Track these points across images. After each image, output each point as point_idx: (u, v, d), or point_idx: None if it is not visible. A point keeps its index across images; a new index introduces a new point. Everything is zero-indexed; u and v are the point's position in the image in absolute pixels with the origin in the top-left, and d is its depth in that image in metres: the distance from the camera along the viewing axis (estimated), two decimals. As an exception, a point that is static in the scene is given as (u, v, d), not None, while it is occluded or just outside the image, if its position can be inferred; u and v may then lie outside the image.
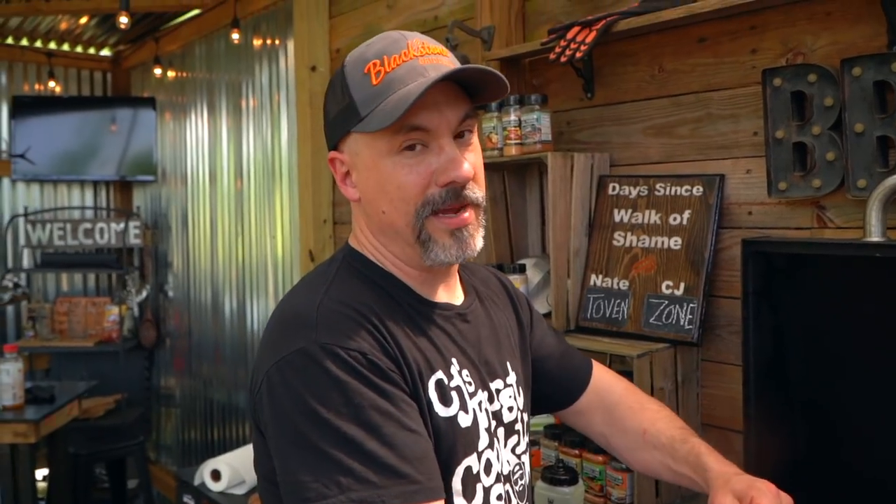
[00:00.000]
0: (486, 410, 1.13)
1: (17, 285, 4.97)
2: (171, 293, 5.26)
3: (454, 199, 1.05)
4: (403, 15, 2.93)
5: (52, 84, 5.21)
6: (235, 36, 4.15)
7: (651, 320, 1.94)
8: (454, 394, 1.08)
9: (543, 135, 2.08)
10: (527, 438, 1.25)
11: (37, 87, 5.34)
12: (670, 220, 1.96)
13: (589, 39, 1.93)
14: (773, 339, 1.59)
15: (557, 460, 1.89)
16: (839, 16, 1.68)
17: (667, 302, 1.92)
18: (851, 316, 1.51)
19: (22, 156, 5.03)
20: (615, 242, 2.06)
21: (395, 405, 0.96)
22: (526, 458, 1.23)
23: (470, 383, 1.11)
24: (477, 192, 1.07)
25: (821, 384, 1.57)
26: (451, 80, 1.02)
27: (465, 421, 1.08)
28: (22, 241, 5.12)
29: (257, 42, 4.19)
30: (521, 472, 1.21)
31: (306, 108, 3.30)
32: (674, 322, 1.90)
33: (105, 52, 5.62)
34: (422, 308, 1.11)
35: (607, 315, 2.03)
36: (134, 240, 5.16)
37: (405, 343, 1.04)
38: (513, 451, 1.19)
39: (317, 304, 1.02)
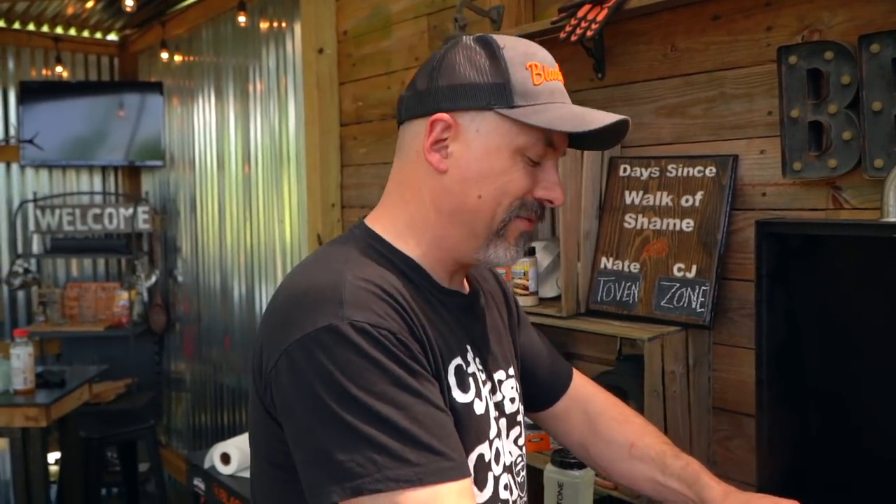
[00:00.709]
0: (490, 400, 1.13)
1: (27, 271, 4.98)
2: (180, 278, 5.27)
3: (539, 213, 1.10)
4: (411, -4, 2.90)
5: (59, 69, 5.20)
6: (242, 19, 4.13)
7: (662, 303, 1.92)
8: (471, 380, 1.07)
9: (553, 116, 2.05)
10: (525, 431, 1.25)
11: (44, 72, 5.33)
12: (682, 201, 1.93)
13: (600, 18, 1.90)
14: (787, 322, 1.57)
15: (568, 444, 1.88)
16: (856, -9, 1.64)
17: (678, 285, 1.90)
18: (867, 299, 1.49)
19: (30, 141, 5.02)
20: (626, 225, 2.03)
21: (424, 384, 0.95)
22: (525, 450, 1.24)
23: (482, 371, 1.12)
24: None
25: (835, 368, 1.55)
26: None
27: (479, 408, 1.08)
28: (31, 226, 5.13)
29: (264, 25, 4.17)
30: (521, 463, 1.21)
31: (314, 90, 3.28)
32: (685, 305, 1.87)
33: (112, 37, 5.60)
34: (439, 294, 1.10)
35: (618, 298, 2.01)
36: (143, 225, 5.16)
37: (428, 326, 1.02)
38: (515, 441, 1.19)
39: (341, 281, 0.98)
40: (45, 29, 5.28)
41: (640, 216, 2.01)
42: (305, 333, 0.94)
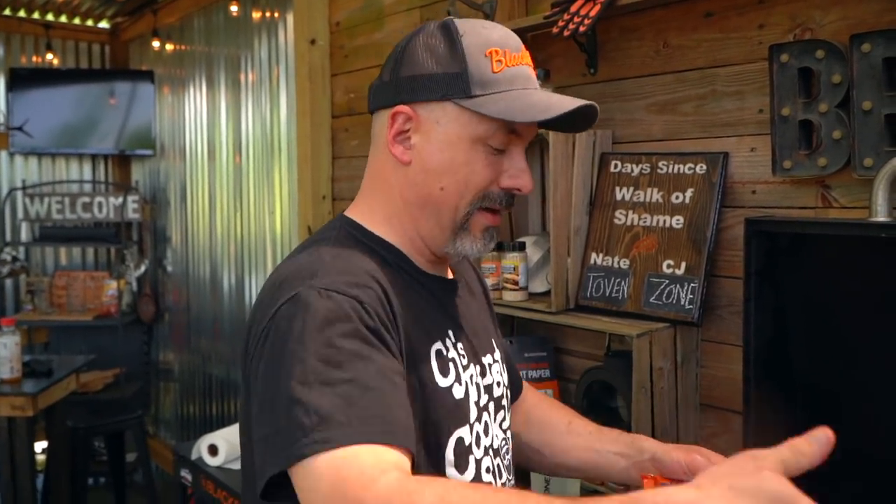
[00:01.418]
0: (478, 384, 1.13)
1: (15, 259, 4.96)
2: (169, 268, 5.25)
3: (506, 202, 1.09)
4: (404, -12, 2.89)
5: (49, 56, 5.16)
6: (234, 8, 4.11)
7: (651, 299, 1.92)
8: (451, 365, 1.08)
9: (545, 110, 2.05)
10: (510, 415, 1.26)
11: (34, 59, 5.30)
12: (672, 198, 1.93)
13: (593, 13, 1.90)
14: (775, 319, 1.58)
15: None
16: (849, -10, 1.64)
17: (667, 281, 1.90)
18: (855, 297, 1.49)
19: (20, 128, 4.99)
20: (616, 221, 2.03)
21: (381, 356, 0.92)
22: (510, 434, 1.25)
23: (463, 356, 1.12)
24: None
25: (822, 365, 1.55)
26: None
27: (458, 392, 1.08)
28: (20, 214, 5.10)
29: (256, 15, 4.15)
30: (507, 446, 1.22)
31: (306, 82, 3.26)
32: (674, 301, 1.88)
33: (103, 24, 5.57)
34: (419, 277, 1.11)
35: (607, 294, 2.01)
36: (132, 214, 5.14)
37: (405, 310, 1.02)
38: (500, 425, 1.20)
39: (316, 257, 1.00)
40: (35, 15, 5.25)
41: (630, 212, 2.01)
42: (276, 311, 0.95)
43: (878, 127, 1.55)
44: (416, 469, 0.90)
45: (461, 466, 1.07)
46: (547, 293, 2.10)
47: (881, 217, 1.44)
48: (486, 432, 1.13)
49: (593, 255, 2.06)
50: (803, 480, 1.47)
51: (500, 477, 1.16)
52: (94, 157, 5.53)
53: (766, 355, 1.57)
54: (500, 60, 1.03)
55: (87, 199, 5.13)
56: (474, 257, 1.13)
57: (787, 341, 1.59)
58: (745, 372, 1.58)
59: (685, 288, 1.87)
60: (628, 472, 1.25)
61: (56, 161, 5.39)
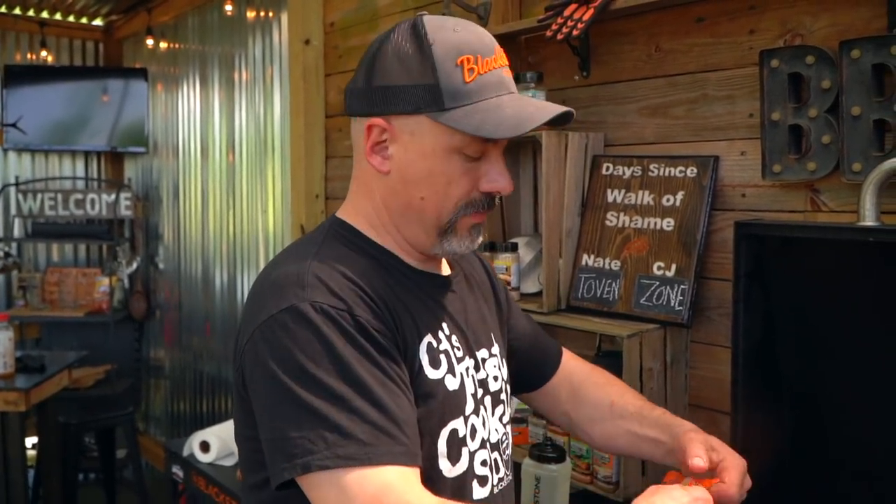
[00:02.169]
0: (473, 377, 1.14)
1: (7, 255, 4.95)
2: (161, 265, 5.25)
3: (489, 205, 1.10)
4: (399, -11, 2.90)
5: (43, 53, 5.15)
6: (229, 7, 4.11)
7: (642, 301, 1.94)
8: (443, 357, 1.09)
9: (538, 113, 2.06)
10: (510, 409, 1.27)
11: (29, 56, 5.28)
12: (663, 200, 1.95)
13: (586, 17, 1.92)
14: (763, 321, 1.60)
15: (545, 438, 1.90)
16: (839, -3, 1.66)
17: (658, 283, 1.92)
18: (842, 300, 1.51)
19: (14, 125, 4.99)
20: (608, 222, 2.05)
21: (382, 366, 0.97)
22: (510, 428, 1.26)
23: (458, 348, 1.13)
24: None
25: (810, 367, 1.57)
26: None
27: (452, 384, 1.09)
28: (13, 210, 5.09)
29: (251, 14, 4.15)
30: (507, 441, 1.23)
31: (300, 81, 3.27)
32: (664, 303, 1.90)
33: (97, 22, 5.56)
34: (411, 274, 1.13)
35: (598, 295, 2.03)
36: (125, 211, 5.13)
37: (396, 307, 1.05)
38: (500, 419, 1.21)
39: (306, 266, 1.02)
40: (30, 13, 5.23)
41: (621, 214, 2.03)
42: (269, 316, 0.97)
43: (867, 132, 1.57)
44: None
45: (453, 458, 1.08)
46: (539, 294, 2.12)
47: (869, 221, 1.46)
48: (483, 425, 1.14)
49: (585, 257, 2.08)
50: (789, 481, 1.49)
51: (498, 472, 1.17)
52: (87, 154, 5.52)
53: (754, 357, 1.58)
54: (472, 69, 1.02)
55: (79, 196, 5.12)
56: (464, 253, 1.13)
57: (776, 343, 1.60)
58: (733, 373, 1.59)
59: (675, 290, 1.88)
60: (670, 457, 1.25)
61: (49, 158, 5.38)
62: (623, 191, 2.03)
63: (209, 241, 4.67)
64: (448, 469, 1.07)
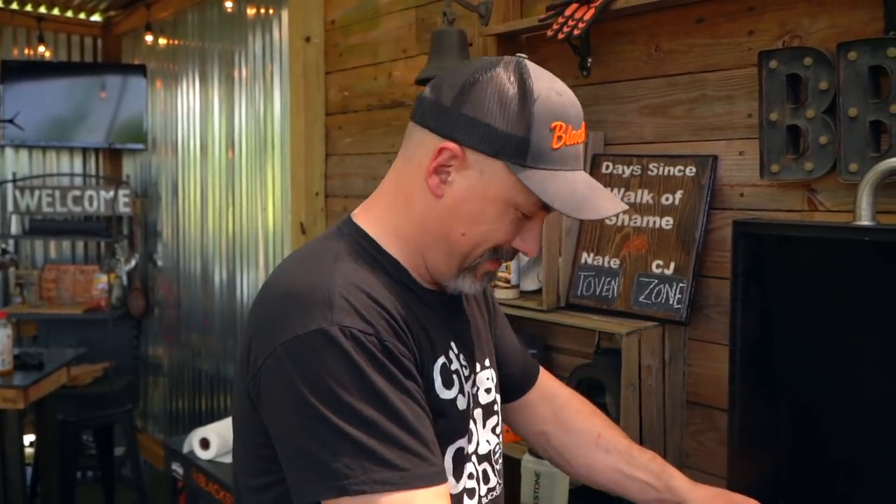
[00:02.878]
0: (471, 393, 1.16)
1: (5, 251, 4.95)
2: (160, 263, 5.25)
3: (511, 258, 1.15)
4: (400, -12, 2.91)
5: (41, 49, 5.15)
6: (229, 4, 4.12)
7: (641, 299, 1.96)
8: (455, 377, 1.11)
9: (538, 112, 2.08)
10: (501, 419, 1.28)
11: (26, 51, 5.28)
12: (662, 199, 1.97)
13: (587, 17, 1.93)
14: (761, 319, 1.61)
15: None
16: (837, -1, 1.68)
17: (657, 281, 1.94)
18: (839, 298, 1.53)
19: (11, 121, 4.98)
20: (607, 221, 2.07)
21: (409, 390, 0.98)
22: (502, 437, 1.27)
23: (465, 367, 1.15)
24: None
25: (806, 364, 1.59)
26: None
27: (462, 404, 1.11)
28: (10, 207, 5.08)
29: (251, 11, 4.16)
30: (499, 451, 1.24)
31: (300, 79, 3.28)
32: (663, 301, 1.92)
33: (96, 18, 5.55)
34: (423, 294, 1.13)
35: (597, 293, 2.04)
36: (123, 208, 5.13)
37: (414, 327, 1.05)
38: (493, 430, 1.22)
39: (331, 283, 1.00)
40: (28, 8, 5.23)
41: (620, 213, 2.04)
42: (295, 335, 0.96)
43: (864, 133, 1.59)
44: None
45: (457, 475, 1.11)
46: (538, 291, 2.13)
47: (865, 221, 1.47)
48: (471, 439, 1.16)
49: (584, 255, 2.09)
50: (785, 477, 1.50)
51: (488, 482, 1.19)
52: (84, 151, 5.51)
53: (751, 354, 1.60)
54: (560, 137, 1.02)
55: (77, 193, 5.12)
56: (468, 294, 1.17)
57: (773, 341, 1.62)
58: (730, 370, 1.61)
59: (674, 288, 1.90)
60: (657, 502, 1.28)
61: (47, 154, 5.38)
62: (623, 189, 2.05)
63: (208, 238, 4.68)
64: (453, 486, 1.09)
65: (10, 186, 5.08)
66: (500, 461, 1.25)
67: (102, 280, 5.07)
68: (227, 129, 4.45)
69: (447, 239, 1.08)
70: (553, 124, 1.01)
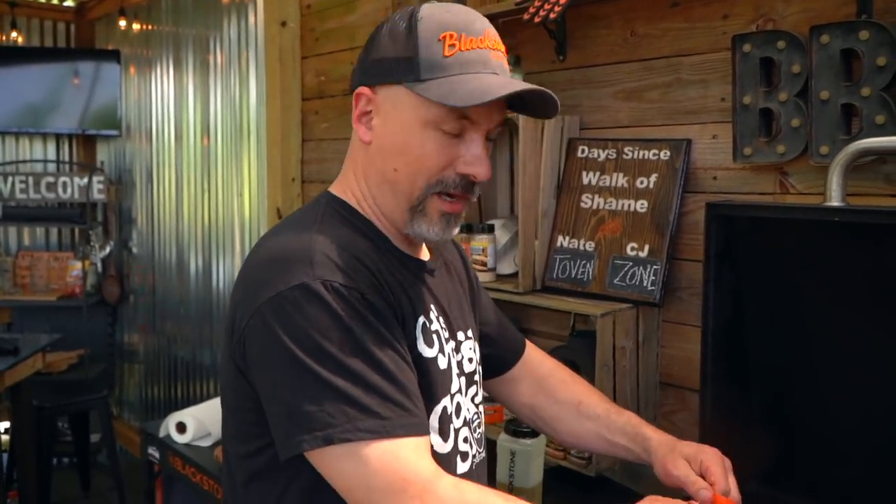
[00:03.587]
0: (454, 359, 1.18)
1: (-23, 238, 4.89)
2: (135, 250, 5.21)
3: (464, 189, 1.10)
4: (376, -28, 2.90)
5: (14, 34, 5.07)
6: (204, -11, 4.07)
7: (615, 281, 1.97)
8: (435, 337, 1.13)
9: (515, 96, 2.08)
10: (482, 391, 1.30)
11: (-1, 37, 5.21)
12: (637, 183, 1.99)
13: (563, 0, 1.94)
14: (733, 300, 1.63)
15: (520, 416, 1.93)
16: (810, -17, 1.70)
17: (631, 263, 1.96)
18: (810, 279, 1.55)
19: (-18, 107, 4.91)
20: (583, 204, 2.08)
21: (391, 342, 1.00)
22: (482, 409, 1.29)
23: (445, 329, 1.17)
24: (478, 190, 1.13)
25: (777, 346, 1.61)
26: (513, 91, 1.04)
27: (442, 363, 1.13)
28: (-18, 193, 5.03)
29: (226, -5, 4.12)
30: (478, 420, 1.26)
31: (276, 64, 3.26)
32: (637, 283, 1.93)
33: (69, 3, 5.47)
34: (401, 257, 1.15)
35: (573, 275, 2.06)
36: (98, 195, 5.08)
37: (394, 286, 1.08)
38: (472, 399, 1.24)
39: (310, 242, 1.03)
40: (0, -8, 5.15)
41: (596, 196, 2.06)
42: (278, 292, 0.98)
43: (835, 116, 1.61)
44: None
45: (444, 434, 1.12)
46: (514, 274, 2.15)
47: (835, 202, 1.49)
48: (462, 405, 1.19)
49: (560, 238, 2.11)
50: (755, 457, 1.52)
51: (472, 448, 1.21)
52: (58, 137, 5.44)
53: (723, 335, 1.62)
54: (453, 44, 1.04)
55: (51, 179, 5.06)
56: (434, 241, 1.15)
57: (745, 322, 1.64)
58: (702, 351, 1.63)
59: (648, 270, 1.92)
60: (641, 461, 1.31)
61: (20, 140, 5.31)
62: (598, 173, 2.06)
63: (183, 225, 4.65)
64: (440, 445, 1.11)
65: (-18, 173, 5.01)
66: (480, 430, 1.26)
67: (77, 267, 5.02)
68: (202, 115, 4.41)
69: (385, 180, 1.10)
70: (441, 35, 1.04)
